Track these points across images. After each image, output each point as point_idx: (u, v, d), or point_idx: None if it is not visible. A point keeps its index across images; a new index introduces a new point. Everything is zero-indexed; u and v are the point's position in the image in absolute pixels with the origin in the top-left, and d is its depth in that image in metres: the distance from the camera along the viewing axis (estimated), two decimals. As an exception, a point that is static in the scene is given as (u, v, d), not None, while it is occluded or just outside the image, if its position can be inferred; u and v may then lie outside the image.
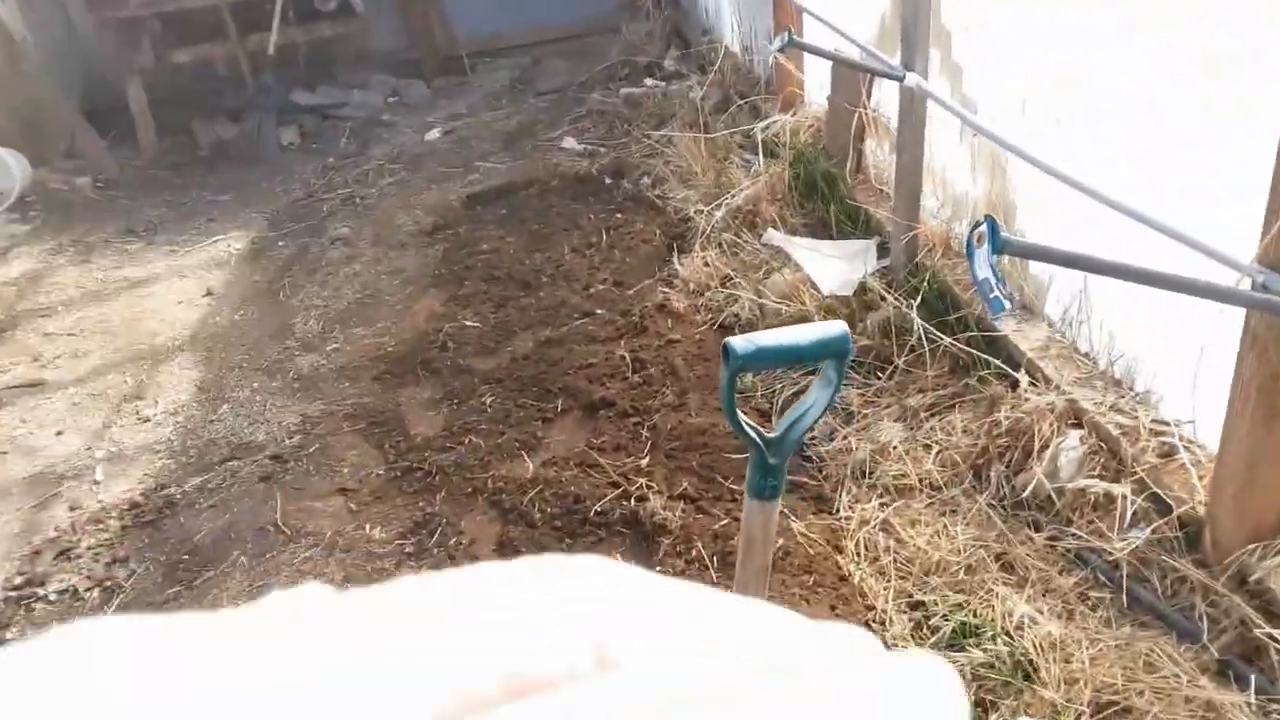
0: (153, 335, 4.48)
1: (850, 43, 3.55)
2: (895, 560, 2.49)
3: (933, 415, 2.92)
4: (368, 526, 3.02)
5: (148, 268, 5.23)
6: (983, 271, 1.48)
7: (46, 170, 6.51)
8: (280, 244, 5.35)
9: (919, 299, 3.17)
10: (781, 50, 3.05)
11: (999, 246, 1.48)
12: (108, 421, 3.84)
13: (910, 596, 2.38)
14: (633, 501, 2.89)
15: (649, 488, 2.93)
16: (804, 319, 3.54)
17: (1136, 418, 2.43)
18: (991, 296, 1.48)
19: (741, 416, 1.40)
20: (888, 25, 3.80)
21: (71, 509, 3.34)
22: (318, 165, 6.51)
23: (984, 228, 1.50)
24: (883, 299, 3.35)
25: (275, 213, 5.81)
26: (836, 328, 1.37)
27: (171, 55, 7.24)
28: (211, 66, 7.55)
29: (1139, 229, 2.00)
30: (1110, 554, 2.25)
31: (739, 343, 1.32)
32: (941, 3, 3.16)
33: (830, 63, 4.07)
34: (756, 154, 4.66)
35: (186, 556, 3.01)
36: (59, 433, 3.80)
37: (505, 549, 2.83)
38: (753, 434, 1.42)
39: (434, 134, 6.66)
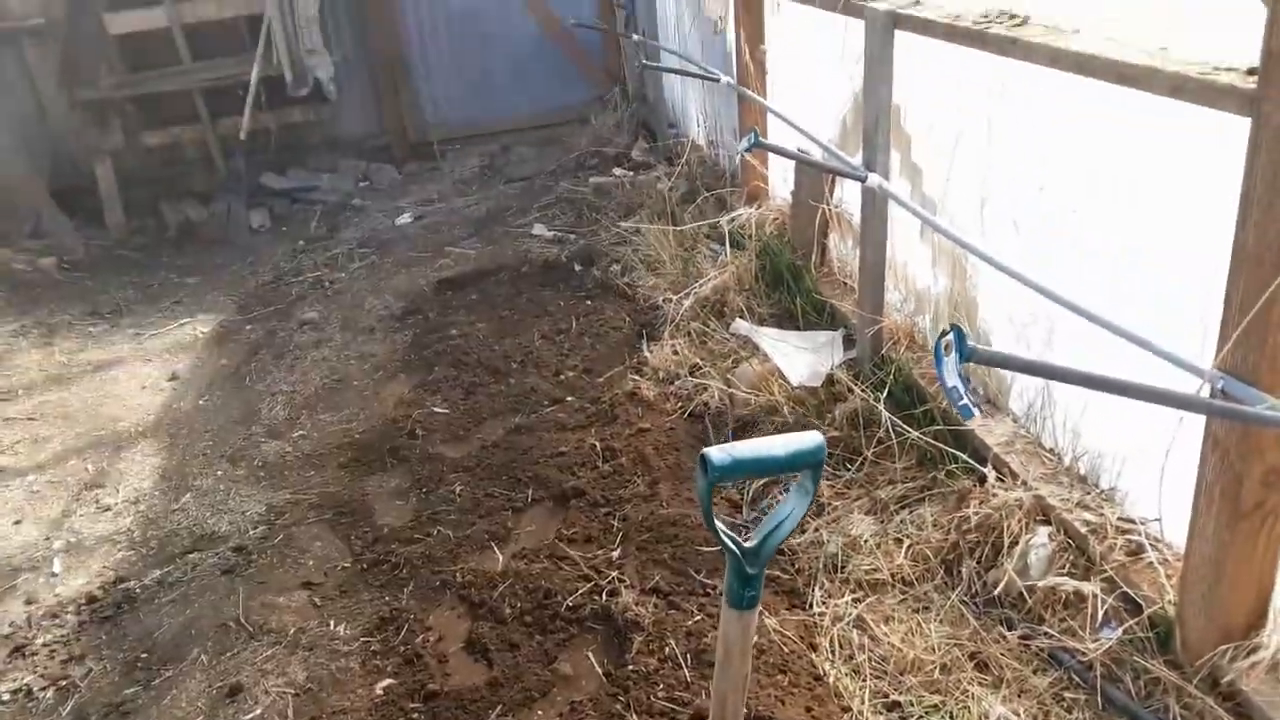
0: (115, 421, 4.42)
1: (813, 142, 3.68)
2: (870, 658, 2.48)
3: (903, 508, 2.95)
4: (332, 623, 2.96)
5: (112, 351, 5.18)
6: (951, 379, 1.53)
7: (11, 250, 6.47)
8: (248, 327, 5.33)
9: (886, 391, 3.23)
10: (748, 150, 3.15)
11: (966, 355, 1.53)
12: (67, 510, 3.76)
13: (886, 697, 2.37)
14: (604, 596, 2.86)
15: (621, 581, 2.91)
16: (773, 409, 3.59)
17: (1103, 515, 2.48)
18: (960, 404, 1.53)
19: (720, 525, 1.42)
20: (849, 126, 3.94)
21: (28, 603, 3.24)
22: (287, 249, 6.53)
23: (951, 336, 1.55)
24: (850, 391, 3.40)
25: (243, 296, 5.80)
26: (811, 439, 1.40)
27: (143, 137, 7.30)
28: (181, 149, 7.61)
29: (1099, 329, 2.08)
30: (1084, 654, 2.27)
31: (716, 454, 1.34)
32: (901, 109, 3.29)
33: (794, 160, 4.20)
34: (723, 245, 4.76)
35: (145, 654, 2.92)
36: (16, 522, 3.71)
37: (474, 646, 2.79)
38: (730, 544, 1.43)
39: (404, 219, 6.72)
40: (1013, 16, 2.58)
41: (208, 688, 2.76)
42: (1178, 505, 2.22)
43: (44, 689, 2.85)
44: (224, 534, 3.48)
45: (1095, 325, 2.07)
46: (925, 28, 2.86)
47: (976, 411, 1.55)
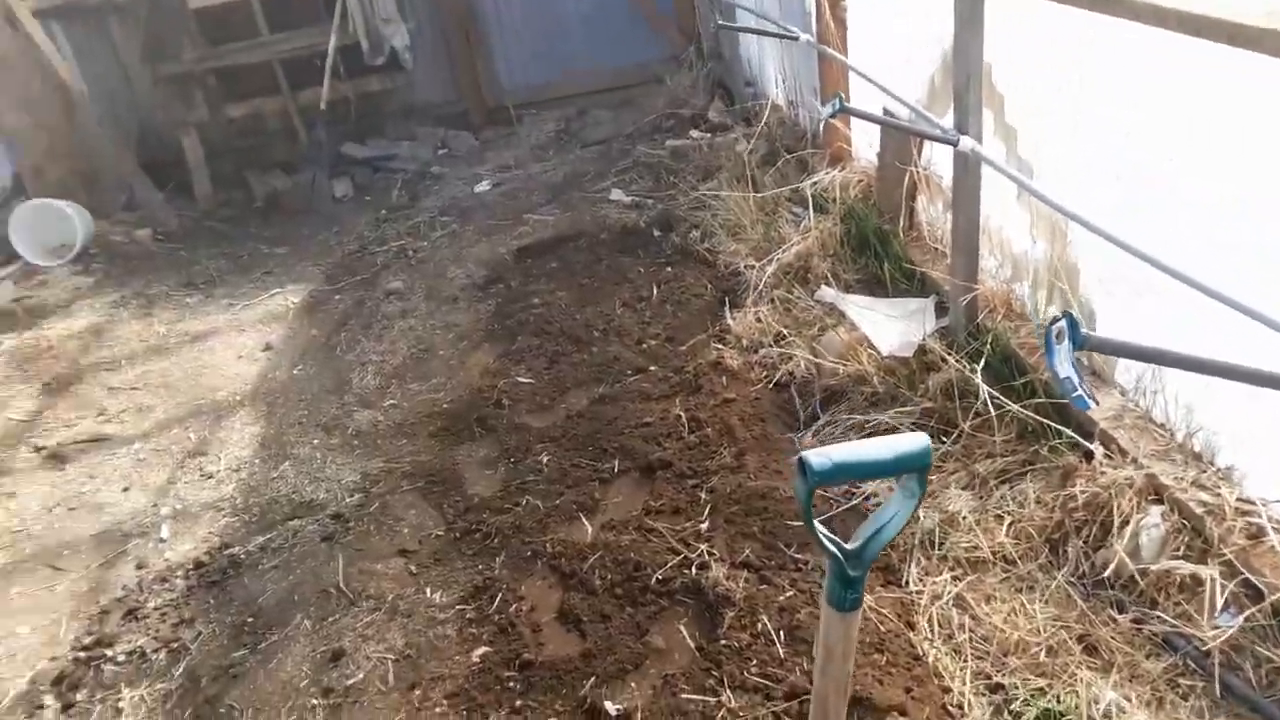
0: (214, 390, 4.55)
1: (900, 103, 3.56)
2: (971, 639, 2.44)
3: (1003, 483, 2.88)
4: (428, 590, 3.02)
5: (207, 321, 5.33)
6: (1064, 370, 1.47)
7: (107, 223, 6.69)
8: (336, 297, 5.43)
9: (982, 362, 3.14)
10: (833, 116, 3.06)
11: (1080, 342, 1.46)
12: (172, 478, 3.90)
13: (989, 678, 2.33)
14: (694, 569, 2.86)
15: (710, 554, 2.91)
16: (862, 379, 3.52)
17: (1220, 495, 2.38)
18: (1075, 395, 1.47)
19: (820, 528, 1.39)
20: (937, 85, 3.80)
21: (138, 568, 3.38)
22: (370, 217, 6.62)
23: (1063, 323, 1.48)
24: (944, 361, 3.32)
25: (330, 265, 5.91)
26: (917, 441, 1.35)
27: (225, 109, 7.45)
28: (264, 120, 7.74)
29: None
30: (1201, 640, 2.19)
31: (816, 459, 1.30)
32: (993, 68, 3.16)
33: (881, 120, 4.08)
34: (805, 209, 4.67)
35: (251, 619, 3.03)
36: (125, 489, 3.86)
37: (566, 617, 2.82)
38: (832, 546, 1.40)
39: (483, 186, 6.75)
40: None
41: (311, 652, 2.84)
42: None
43: (156, 651, 2.98)
44: (322, 501, 3.57)
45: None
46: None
47: (1093, 403, 1.48)
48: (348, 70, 7.37)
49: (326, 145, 7.27)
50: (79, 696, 2.84)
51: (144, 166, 7.09)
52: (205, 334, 5.16)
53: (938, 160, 3.95)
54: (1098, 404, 1.38)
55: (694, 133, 6.67)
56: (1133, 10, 2.20)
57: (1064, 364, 1.44)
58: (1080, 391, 1.45)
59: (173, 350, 5.02)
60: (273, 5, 7.33)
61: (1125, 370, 2.82)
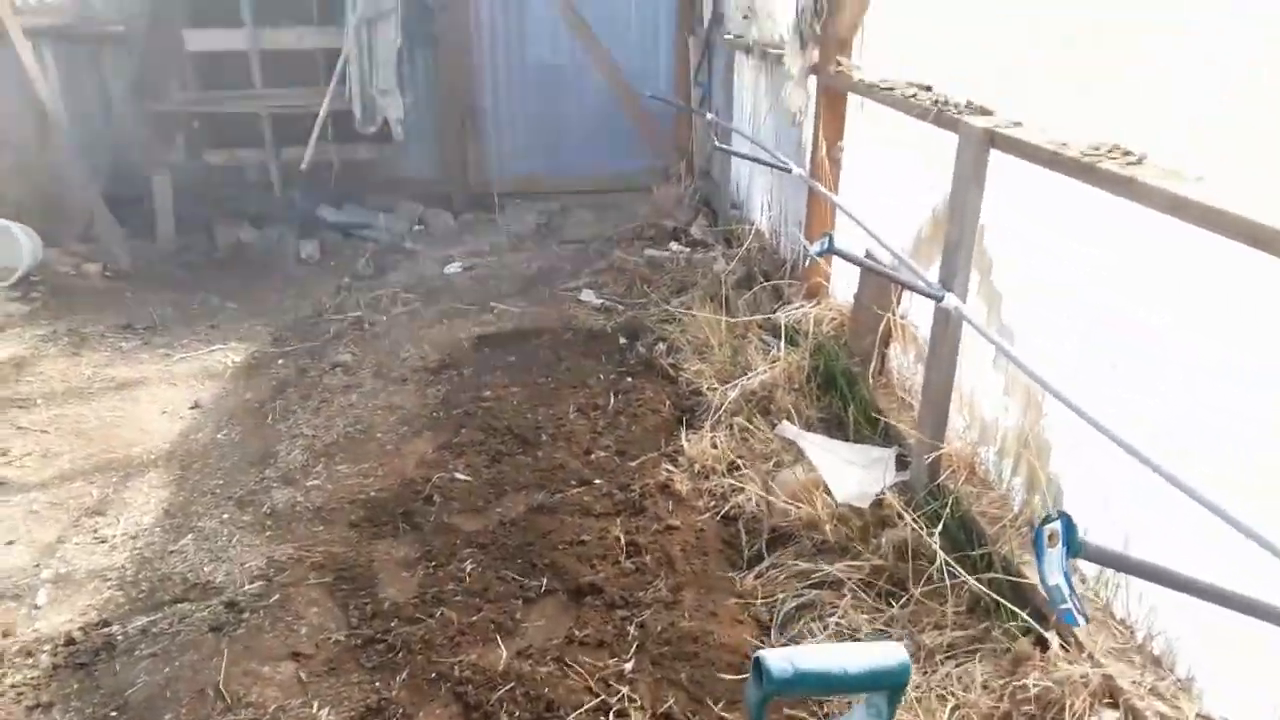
0: (129, 445, 4.27)
1: (885, 248, 3.49)
2: (899, 836, 2.21)
3: (949, 659, 2.69)
4: (315, 705, 2.73)
5: (139, 369, 5.06)
6: (1054, 577, 1.31)
7: (58, 251, 6.45)
8: (280, 361, 5.20)
9: (940, 525, 2.98)
10: (821, 255, 2.97)
11: (1076, 549, 1.31)
12: (63, 536, 3.60)
13: None
14: (611, 716, 2.62)
15: (631, 701, 2.68)
16: (813, 524, 3.35)
17: (1179, 708, 2.21)
18: (1063, 607, 1.30)
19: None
20: (924, 236, 3.75)
21: (4, 635, 3.06)
22: (332, 283, 6.45)
23: (1056, 525, 1.33)
24: (900, 518, 3.16)
25: (280, 327, 5.70)
26: (895, 655, 1.17)
27: (205, 155, 7.31)
28: (241, 171, 7.62)
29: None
30: None
31: (775, 663, 1.11)
32: (985, 230, 3.10)
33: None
34: (776, 338, 4.57)
35: (114, 713, 2.71)
36: (10, 542, 3.55)
37: (464, 754, 2.55)
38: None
39: (454, 268, 6.62)
40: (1127, 153, 2.39)
41: (173, 762, 2.54)
42: (1271, 713, 1.95)
43: (2, 736, 2.65)
44: (219, 585, 3.29)
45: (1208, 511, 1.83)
46: (1025, 152, 2.68)
47: (1081, 620, 1.32)
48: (336, 134, 7.30)
49: (301, 205, 7.14)
50: (-99, 779, 2.51)
51: (110, 201, 6.88)
52: (133, 383, 4.89)
53: (915, 310, 3.87)
54: (1087, 621, 1.23)
55: (674, 245, 6.63)
56: (1144, 194, 2.12)
57: (1054, 571, 1.28)
58: (1069, 605, 1.28)
59: (95, 395, 4.74)
60: (271, 59, 7.28)
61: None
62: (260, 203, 7.53)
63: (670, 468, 3.88)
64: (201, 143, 7.33)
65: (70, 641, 3.01)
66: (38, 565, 3.42)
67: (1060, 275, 2.82)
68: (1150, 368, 2.44)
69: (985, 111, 3.07)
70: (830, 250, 2.89)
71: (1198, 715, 2.20)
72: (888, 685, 1.16)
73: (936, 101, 3.29)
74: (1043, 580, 1.31)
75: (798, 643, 2.93)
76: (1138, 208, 2.22)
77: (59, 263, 6.32)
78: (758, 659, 1.12)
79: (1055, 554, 1.29)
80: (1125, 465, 2.20)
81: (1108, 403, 2.44)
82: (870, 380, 3.97)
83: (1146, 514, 2.40)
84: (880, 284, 3.91)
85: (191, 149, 7.22)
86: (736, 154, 5.39)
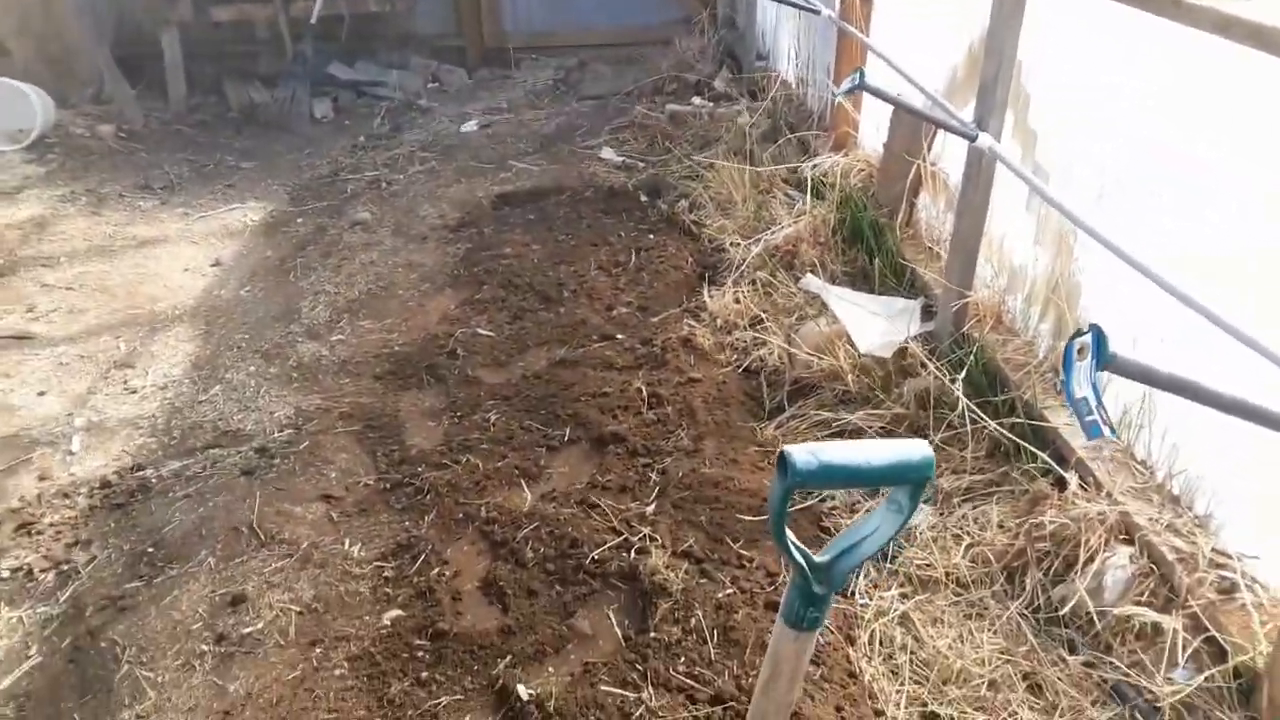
0: (153, 300, 4.29)
1: (919, 90, 3.36)
2: (912, 661, 2.28)
3: (966, 501, 2.72)
4: (347, 542, 2.82)
5: (159, 228, 5.05)
6: (1081, 389, 1.28)
7: (70, 113, 6.36)
8: (298, 220, 5.16)
9: (963, 372, 2.97)
10: (850, 91, 2.86)
11: (1105, 361, 1.28)
12: (93, 387, 3.65)
13: (924, 706, 2.18)
14: (633, 553, 2.68)
15: (652, 540, 2.73)
16: (835, 375, 3.35)
17: (1195, 543, 2.23)
18: (1089, 419, 1.28)
19: (790, 537, 1.20)
20: (959, 78, 3.61)
21: (40, 479, 3.15)
22: (347, 143, 6.34)
23: (1088, 338, 1.30)
24: (923, 367, 3.14)
25: (297, 187, 5.64)
26: (918, 450, 1.16)
27: (212, 11, 7.08)
28: (251, 27, 7.39)
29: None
30: (1152, 694, 2.04)
31: (800, 456, 1.11)
32: (1025, 64, 2.96)
33: (889, 107, 3.87)
34: (801, 192, 4.47)
35: (151, 549, 2.81)
36: (41, 393, 3.61)
37: (490, 587, 2.63)
38: (799, 556, 1.21)
39: (470, 126, 6.48)
40: (1176, -30, 2.25)
41: (211, 593, 2.64)
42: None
43: (45, 571, 2.76)
44: (249, 433, 3.35)
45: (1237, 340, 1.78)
46: (1070, -26, 2.53)
47: (1107, 431, 1.30)
48: (347, -14, 7.04)
49: (312, 62, 6.94)
50: (-48, 610, 2.62)
51: (119, 61, 6.74)
52: (153, 241, 4.88)
53: (946, 157, 3.76)
54: (1115, 435, 1.21)
55: (696, 99, 6.43)
56: (1192, 16, 2.00)
57: (1082, 382, 1.26)
58: (1095, 416, 1.27)
59: (116, 254, 4.74)
60: (276, -92, 6.97)
61: (1113, 399, 2.65)
62: (271, 61, 7.33)
63: (692, 323, 3.87)
64: (208, -2, 7.09)
65: (106, 484, 3.10)
66: (70, 414, 3.49)
67: (1100, 109, 2.71)
68: (1196, 200, 2.36)
69: (1027, -63, 2.89)
70: (860, 87, 2.78)
71: (1213, 550, 2.22)
72: (911, 479, 1.16)
73: (975, -72, 3.10)
74: (1069, 394, 1.29)
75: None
76: (1182, 30, 2.10)
77: (72, 124, 6.23)
78: (782, 453, 1.12)
79: (1084, 366, 1.27)
80: (1156, 306, 2.16)
81: (1146, 242, 2.37)
82: (898, 231, 3.89)
83: (1177, 354, 2.36)
84: (911, 129, 3.79)
85: (198, 5, 6.98)
86: (762, -3, 5.14)
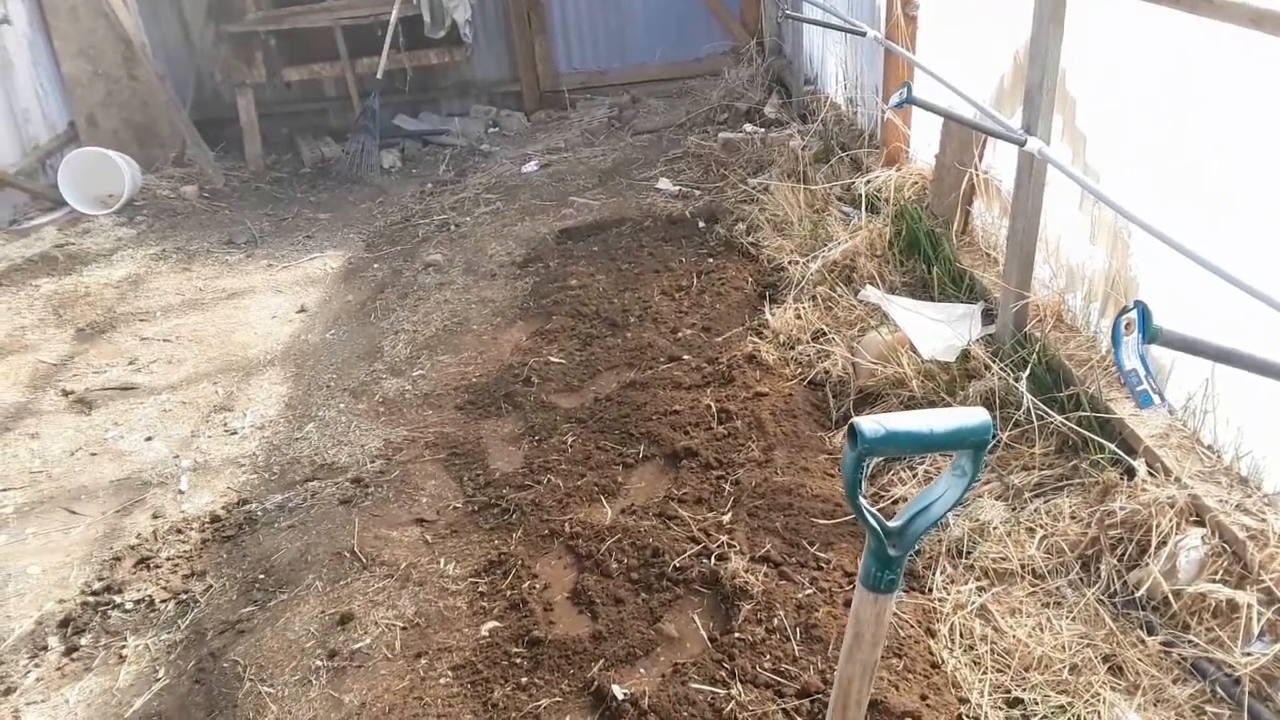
0: (245, 348, 4.55)
1: (967, 101, 3.46)
2: (992, 650, 2.35)
3: (1038, 496, 2.77)
4: (442, 561, 2.98)
5: (245, 279, 5.34)
6: (1130, 361, 1.38)
7: (156, 176, 6.75)
8: (375, 265, 5.42)
9: (1027, 371, 3.04)
10: (900, 106, 2.97)
11: (1150, 335, 1.37)
12: (196, 431, 3.90)
13: (1008, 692, 2.24)
14: (713, 560, 2.79)
15: (730, 546, 2.84)
16: (900, 383, 3.43)
17: (1265, 521, 2.26)
18: (1139, 389, 1.37)
19: (864, 503, 1.31)
20: (1006, 87, 3.70)
21: (155, 517, 3.38)
22: (416, 190, 6.62)
23: (1134, 314, 1.39)
24: (986, 368, 3.22)
25: (372, 234, 5.91)
26: (976, 415, 1.27)
27: (283, 72, 7.47)
28: (320, 86, 7.77)
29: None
30: (1232, 668, 2.09)
31: (868, 425, 1.23)
32: (1066, 71, 3.04)
33: (938, 121, 3.97)
34: (856, 207, 4.57)
35: (262, 576, 3.00)
36: (148, 438, 3.86)
37: (579, 597, 2.76)
38: (874, 521, 1.32)
39: (531, 166, 6.71)
40: (1209, -31, 2.33)
41: (320, 613, 2.81)
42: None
43: (165, 601, 2.96)
44: (343, 465, 3.54)
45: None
46: (1106, -21, 2.62)
47: (1157, 399, 1.39)
48: (407, 41, 7.37)
49: (379, 116, 7.28)
50: (83, 641, 2.83)
51: (198, 124, 7.15)
52: (242, 292, 5.18)
53: (998, 165, 3.84)
54: (1164, 401, 1.29)
55: (748, 126, 6.59)
56: (1225, 11, 2.09)
57: (1131, 355, 1.35)
58: (1145, 386, 1.36)
59: (208, 305, 5.03)
60: (337, -28, 7.35)
61: (1177, 386, 2.70)
62: (341, 116, 7.70)
63: (756, 340, 3.98)
64: (279, 61, 7.49)
65: (215, 519, 3.31)
66: (176, 456, 3.73)
67: (1145, 109, 2.78)
68: (1243, 192, 2.42)
69: (1063, -53, 2.98)
70: (909, 101, 2.89)
71: (1286, 527, 2.25)
72: (972, 443, 1.27)
73: (1012, -58, 3.21)
74: (1120, 367, 1.38)
75: (888, 490, 3.04)
76: (1223, 28, 2.18)
77: (158, 187, 6.62)
78: (852, 424, 1.23)
79: (1131, 340, 1.36)
80: (1213, 294, 2.22)
81: (1199, 234, 2.44)
82: (954, 239, 3.97)
83: (1235, 343, 2.41)
84: (962, 139, 3.88)
85: (270, 68, 7.39)
86: (808, 20, 5.29)
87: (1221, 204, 2.49)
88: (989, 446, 1.29)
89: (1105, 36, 2.90)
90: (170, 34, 7.52)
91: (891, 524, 1.33)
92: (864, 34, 4.43)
